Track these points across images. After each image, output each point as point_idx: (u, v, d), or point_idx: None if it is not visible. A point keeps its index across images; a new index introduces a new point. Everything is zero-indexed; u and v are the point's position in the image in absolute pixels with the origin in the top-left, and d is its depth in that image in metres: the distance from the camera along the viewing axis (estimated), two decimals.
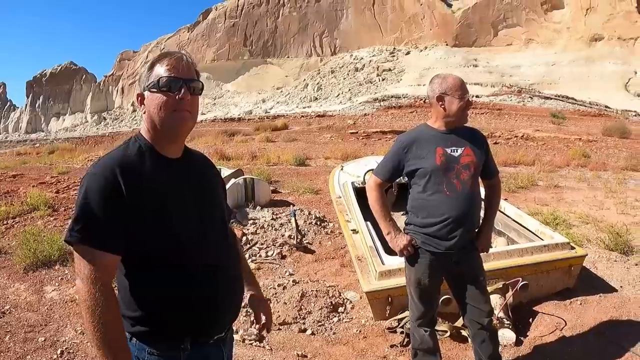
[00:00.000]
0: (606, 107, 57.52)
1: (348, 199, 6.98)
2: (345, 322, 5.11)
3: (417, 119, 42.95)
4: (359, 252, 5.40)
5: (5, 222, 8.58)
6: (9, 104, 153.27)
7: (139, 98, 1.95)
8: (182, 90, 1.87)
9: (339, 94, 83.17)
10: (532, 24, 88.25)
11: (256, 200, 9.60)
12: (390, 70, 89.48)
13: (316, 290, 5.56)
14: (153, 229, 1.80)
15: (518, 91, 65.99)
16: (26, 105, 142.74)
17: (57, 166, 17.33)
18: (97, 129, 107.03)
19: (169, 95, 1.86)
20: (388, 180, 3.48)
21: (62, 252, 6.72)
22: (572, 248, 5.25)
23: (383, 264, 4.87)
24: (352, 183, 7.46)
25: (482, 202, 3.60)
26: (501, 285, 4.69)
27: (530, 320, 4.81)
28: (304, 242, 7.56)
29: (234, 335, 3.99)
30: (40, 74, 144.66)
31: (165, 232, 1.83)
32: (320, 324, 5.03)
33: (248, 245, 7.29)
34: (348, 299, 5.57)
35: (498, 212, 4.79)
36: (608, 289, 5.51)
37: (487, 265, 4.02)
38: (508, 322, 4.50)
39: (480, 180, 3.47)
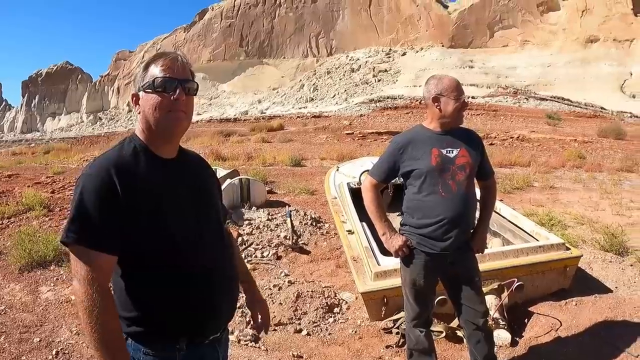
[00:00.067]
0: (602, 108, 57.67)
1: (344, 199, 6.98)
2: (341, 322, 5.11)
3: (413, 120, 42.98)
4: (354, 252, 5.40)
5: (0, 223, 8.55)
6: (4, 103, 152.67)
7: (134, 98, 1.96)
8: (177, 91, 1.87)
9: (335, 95, 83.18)
10: (528, 26, 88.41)
11: (252, 201, 9.59)
12: (386, 71, 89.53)
13: (312, 291, 5.56)
14: (148, 229, 1.80)
15: (514, 92, 66.07)
16: (22, 105, 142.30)
17: (53, 166, 17.23)
18: (93, 129, 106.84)
19: (164, 96, 1.86)
20: (383, 181, 3.48)
21: (57, 253, 6.70)
22: (568, 249, 5.26)
23: (378, 264, 4.87)
24: (348, 184, 7.47)
25: (478, 203, 3.60)
26: (496, 286, 4.69)
27: (526, 320, 4.81)
28: (300, 242, 7.56)
29: (230, 336, 3.99)
30: (35, 73, 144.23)
31: (160, 232, 1.83)
32: (315, 324, 5.04)
33: (244, 246, 7.29)
34: (344, 300, 5.57)
35: (493, 213, 4.81)
36: (603, 289, 5.52)
37: (482, 266, 4.02)
38: (503, 323, 4.51)
39: (475, 181, 3.47)
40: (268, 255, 7.08)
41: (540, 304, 5.00)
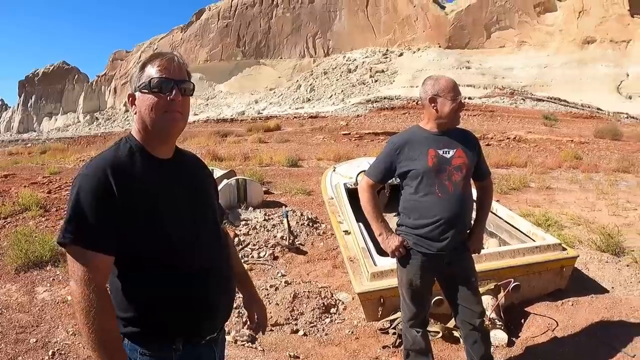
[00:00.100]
0: (598, 109, 57.71)
1: (340, 200, 6.98)
2: (338, 323, 5.11)
3: (410, 121, 42.98)
4: (351, 253, 5.40)
5: None
6: (0, 103, 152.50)
7: (131, 99, 1.96)
8: (174, 92, 1.87)
9: (331, 95, 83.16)
10: (524, 27, 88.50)
11: (248, 201, 9.59)
12: (383, 71, 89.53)
13: (308, 291, 5.56)
14: (145, 229, 1.80)
15: (510, 93, 66.13)
16: (18, 104, 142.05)
17: (49, 166, 17.22)
18: (90, 129, 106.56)
19: (160, 96, 1.86)
20: (380, 181, 3.48)
21: (53, 253, 6.69)
22: (564, 249, 5.27)
23: (375, 265, 4.87)
24: (345, 184, 7.47)
25: (474, 204, 3.61)
26: (493, 286, 4.70)
27: (522, 321, 4.82)
28: (296, 243, 7.56)
29: (226, 336, 3.98)
30: (32, 73, 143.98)
31: (157, 232, 1.83)
32: (312, 325, 5.03)
33: (240, 246, 7.28)
34: (340, 300, 5.57)
35: (490, 213, 4.80)
36: (599, 290, 5.54)
37: (479, 267, 4.02)
38: (500, 323, 4.51)
39: (472, 181, 3.48)
40: (265, 255, 7.08)
41: (537, 304, 5.01)
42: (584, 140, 28.52)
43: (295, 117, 53.63)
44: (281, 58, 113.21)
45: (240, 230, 7.92)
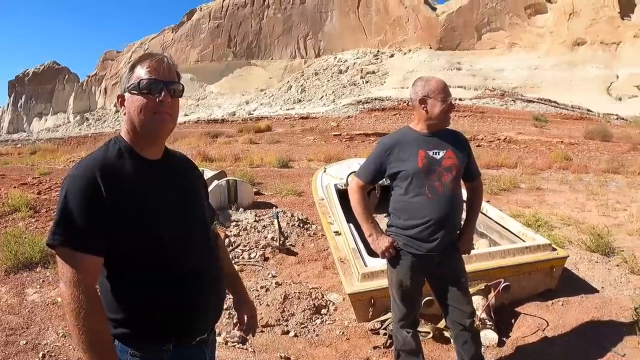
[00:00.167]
0: (588, 110, 58.07)
1: (331, 201, 6.98)
2: (328, 324, 5.10)
3: (401, 122, 43.07)
4: (341, 254, 5.40)
5: None
6: None
7: (120, 99, 1.96)
8: (163, 93, 1.87)
9: (322, 96, 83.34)
10: (515, 28, 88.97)
11: (239, 202, 9.57)
12: (374, 72, 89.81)
13: (299, 292, 5.55)
14: (134, 230, 1.80)
15: (501, 94, 66.44)
16: (8, 105, 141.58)
17: (39, 167, 17.11)
18: (80, 129, 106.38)
19: (149, 98, 1.86)
20: (370, 182, 3.49)
21: (43, 254, 6.64)
22: (554, 249, 5.29)
23: (365, 265, 4.87)
24: (335, 185, 7.47)
25: (464, 205, 3.62)
26: (483, 287, 4.71)
27: (513, 321, 4.83)
28: (287, 244, 7.55)
29: (217, 338, 3.97)
30: (22, 73, 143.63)
31: (146, 233, 1.83)
32: (303, 325, 5.03)
33: (231, 247, 7.27)
34: (331, 301, 5.57)
35: (480, 214, 4.82)
36: (589, 289, 5.56)
37: (469, 267, 4.03)
38: (490, 323, 4.53)
39: (462, 182, 3.49)
40: (255, 256, 7.07)
41: (527, 304, 5.02)
42: (574, 141, 28.64)
43: (286, 118, 53.64)
44: (272, 59, 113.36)
45: (230, 231, 7.90)
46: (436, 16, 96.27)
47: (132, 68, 1.92)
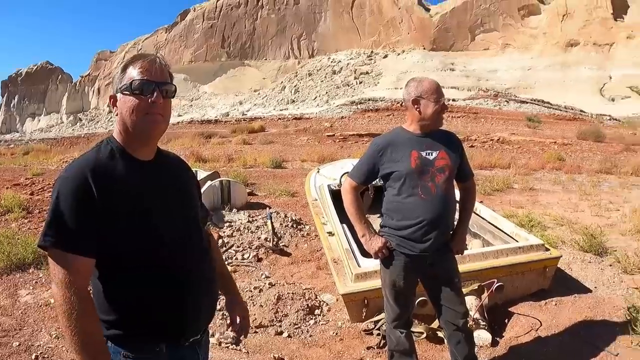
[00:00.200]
0: (581, 111, 58.31)
1: (324, 201, 6.98)
2: (322, 324, 5.10)
3: (394, 122, 43.04)
4: (335, 254, 5.39)
5: None
6: None
7: (112, 100, 1.95)
8: (155, 94, 1.86)
9: (316, 97, 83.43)
10: (509, 29, 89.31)
11: (232, 203, 9.56)
12: (367, 73, 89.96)
13: (292, 293, 5.54)
14: (126, 231, 1.80)
15: (494, 95, 66.59)
16: (1, 105, 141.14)
17: (32, 167, 17.03)
18: (73, 129, 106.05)
19: (141, 99, 1.85)
20: (363, 183, 3.49)
21: (36, 255, 6.60)
22: (547, 250, 5.30)
23: (359, 266, 4.86)
24: (329, 186, 7.46)
25: (457, 205, 3.62)
26: (477, 287, 4.71)
27: (506, 321, 4.84)
28: (280, 244, 7.54)
29: (210, 339, 3.96)
30: (15, 73, 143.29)
31: (136, 234, 1.82)
32: (296, 326, 5.02)
33: (224, 248, 7.26)
34: (324, 302, 5.56)
35: (474, 214, 4.83)
36: (582, 289, 5.58)
37: (462, 267, 4.04)
38: (484, 323, 4.53)
39: (455, 183, 3.49)
40: (248, 257, 7.06)
41: (520, 304, 5.03)
42: (567, 141, 28.73)
43: (279, 119, 53.62)
44: (266, 59, 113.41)
45: (224, 232, 7.89)
46: (430, 17, 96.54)
47: (124, 69, 1.92)
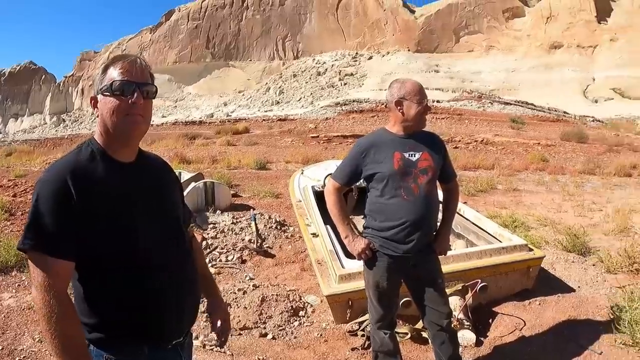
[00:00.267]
0: (565, 112, 58.69)
1: (308, 202, 6.97)
2: (306, 326, 5.09)
3: (379, 123, 43.05)
4: (319, 255, 5.39)
5: None
6: None
7: (93, 101, 1.94)
8: (135, 94, 1.85)
9: (300, 98, 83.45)
10: (493, 31, 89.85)
11: (216, 204, 9.52)
12: (352, 74, 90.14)
13: (277, 295, 5.53)
14: (105, 232, 1.78)
15: (478, 97, 66.85)
16: None
17: (15, 169, 16.90)
18: (56, 130, 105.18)
19: (121, 99, 1.84)
20: (346, 184, 3.48)
21: (19, 258, 6.54)
22: (530, 250, 5.33)
23: (343, 267, 4.86)
24: (313, 187, 7.46)
25: (440, 206, 3.62)
26: (460, 287, 4.72)
27: (490, 321, 4.86)
28: (264, 246, 7.54)
29: (194, 341, 3.94)
30: None
31: (116, 235, 1.80)
32: (281, 328, 5.01)
33: (208, 250, 7.23)
34: (309, 303, 5.56)
35: (457, 215, 4.84)
36: (566, 289, 5.62)
37: (446, 268, 4.05)
38: (468, 323, 4.54)
39: (438, 184, 3.49)
40: (233, 259, 7.04)
41: (504, 304, 5.06)
42: (551, 143, 28.94)
43: (264, 120, 53.46)
44: (250, 60, 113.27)
45: (208, 234, 7.87)
46: (415, 19, 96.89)
47: (104, 69, 1.90)
